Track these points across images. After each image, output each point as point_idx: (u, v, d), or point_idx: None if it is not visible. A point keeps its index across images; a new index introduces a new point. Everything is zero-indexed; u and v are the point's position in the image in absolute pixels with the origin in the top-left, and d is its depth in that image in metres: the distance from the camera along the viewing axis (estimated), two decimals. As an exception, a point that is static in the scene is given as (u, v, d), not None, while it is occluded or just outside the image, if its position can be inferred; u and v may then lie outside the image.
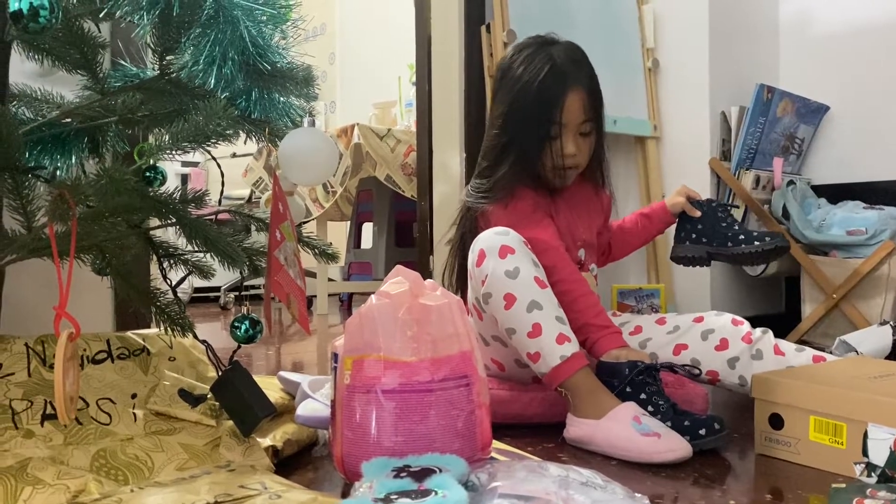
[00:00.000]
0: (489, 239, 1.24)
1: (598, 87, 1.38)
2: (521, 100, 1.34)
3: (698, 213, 1.50)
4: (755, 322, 1.38)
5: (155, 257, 1.13)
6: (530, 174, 1.37)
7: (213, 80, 0.91)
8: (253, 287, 4.03)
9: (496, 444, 1.06)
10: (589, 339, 1.26)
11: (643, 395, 1.17)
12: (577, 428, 1.17)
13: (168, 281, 1.11)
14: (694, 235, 1.50)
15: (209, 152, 1.04)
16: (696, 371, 1.34)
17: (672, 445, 1.07)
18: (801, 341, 2.07)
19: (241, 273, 1.11)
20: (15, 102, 1.10)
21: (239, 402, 1.01)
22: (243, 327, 1.05)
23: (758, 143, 2.20)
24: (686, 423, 1.13)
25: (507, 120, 1.36)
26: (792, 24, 2.46)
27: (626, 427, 1.10)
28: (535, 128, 1.34)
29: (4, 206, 1.00)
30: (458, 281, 1.44)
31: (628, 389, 1.17)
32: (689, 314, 1.42)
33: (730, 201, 2.21)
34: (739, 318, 1.38)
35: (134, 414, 1.02)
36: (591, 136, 1.38)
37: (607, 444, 1.11)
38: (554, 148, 1.34)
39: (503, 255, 1.21)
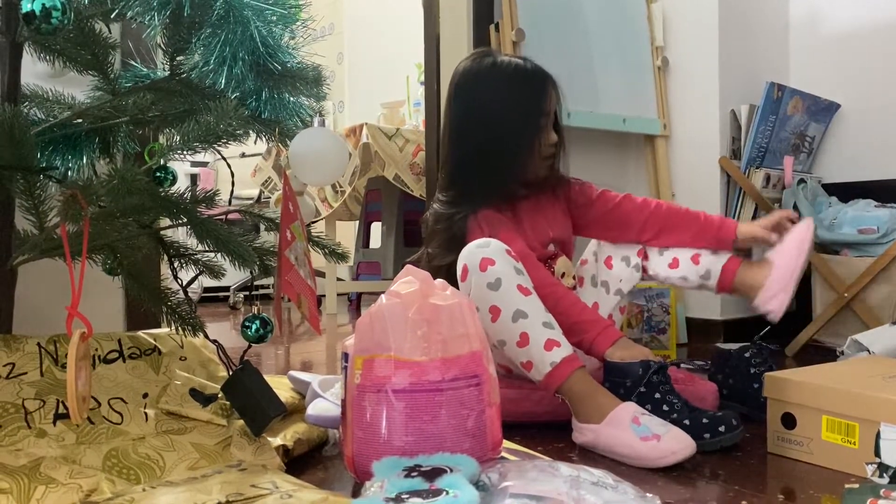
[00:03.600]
0: (471, 253, 1.21)
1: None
2: (507, 98, 1.36)
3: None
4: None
5: (166, 257, 1.13)
6: (510, 178, 1.37)
7: (223, 81, 0.92)
8: (262, 287, 4.05)
9: (506, 443, 1.06)
10: (584, 339, 1.25)
11: (657, 395, 1.16)
12: (582, 434, 1.16)
13: (179, 281, 1.12)
14: (726, 391, 1.37)
15: (219, 152, 1.04)
16: (705, 364, 1.35)
17: (672, 447, 1.05)
18: (813, 340, 2.06)
19: (251, 273, 1.11)
20: (27, 103, 1.11)
21: (250, 401, 1.01)
22: (254, 327, 1.05)
23: (768, 141, 2.19)
24: (704, 420, 1.12)
25: (487, 123, 1.36)
26: (802, 21, 2.44)
27: (626, 431, 1.08)
28: (526, 121, 1.36)
29: (17, 207, 1.00)
30: None
31: (642, 390, 1.16)
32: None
33: (740, 200, 2.20)
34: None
35: (145, 413, 1.02)
36: (558, 129, 1.42)
37: (610, 451, 1.11)
38: (543, 139, 1.38)
39: (484, 267, 1.19)
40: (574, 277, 1.46)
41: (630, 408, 1.11)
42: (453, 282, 1.17)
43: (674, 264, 1.43)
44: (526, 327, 1.17)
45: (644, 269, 1.46)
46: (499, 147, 1.35)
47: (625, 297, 1.49)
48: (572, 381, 1.15)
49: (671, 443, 1.05)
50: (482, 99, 1.38)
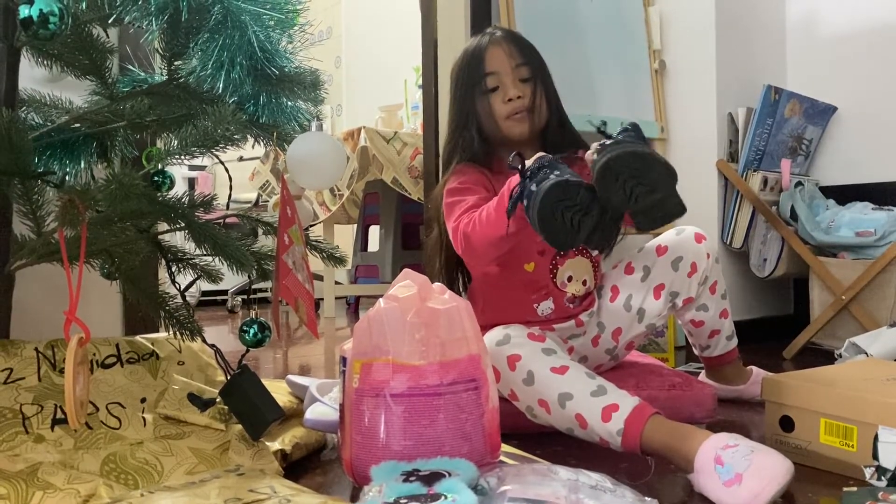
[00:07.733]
0: (495, 354, 1.16)
1: (522, 40, 1.39)
2: (455, 79, 1.41)
3: None
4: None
5: (163, 261, 1.13)
6: (473, 142, 1.36)
7: (221, 85, 0.92)
8: (260, 290, 4.05)
9: (505, 447, 1.05)
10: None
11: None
12: (694, 486, 1.02)
13: (177, 285, 1.12)
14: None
15: (217, 157, 1.04)
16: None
17: (754, 488, 0.91)
18: (811, 343, 2.06)
19: (249, 277, 1.11)
20: (24, 108, 1.11)
21: (248, 405, 1.01)
22: (252, 331, 1.05)
23: (765, 144, 2.20)
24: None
25: (452, 103, 1.41)
26: (799, 24, 2.45)
27: (712, 478, 0.96)
28: (471, 90, 1.37)
29: (14, 212, 1.00)
30: (447, 272, 1.43)
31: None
32: (651, 243, 1.42)
33: (737, 203, 2.21)
34: (700, 232, 1.41)
35: (143, 418, 1.02)
36: (532, 81, 1.36)
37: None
38: (495, 100, 1.35)
39: (513, 366, 1.15)
40: (584, 283, 1.37)
41: (711, 444, 0.98)
42: None
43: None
44: (577, 408, 1.10)
45: (674, 307, 1.41)
46: (457, 122, 1.39)
47: (649, 329, 1.43)
48: (646, 439, 1.04)
49: (752, 483, 0.92)
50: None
